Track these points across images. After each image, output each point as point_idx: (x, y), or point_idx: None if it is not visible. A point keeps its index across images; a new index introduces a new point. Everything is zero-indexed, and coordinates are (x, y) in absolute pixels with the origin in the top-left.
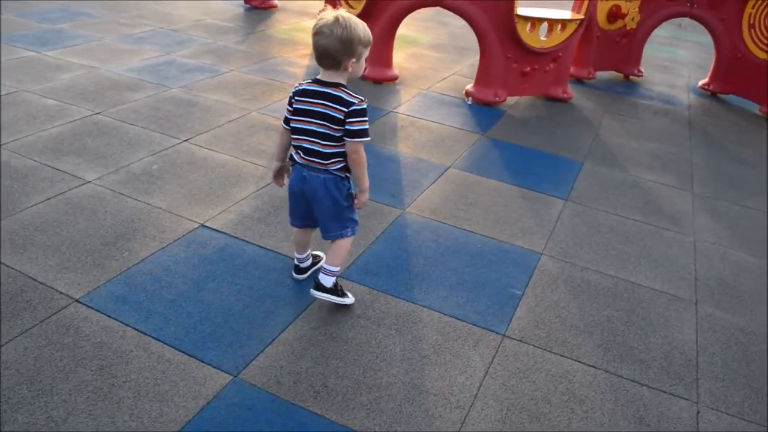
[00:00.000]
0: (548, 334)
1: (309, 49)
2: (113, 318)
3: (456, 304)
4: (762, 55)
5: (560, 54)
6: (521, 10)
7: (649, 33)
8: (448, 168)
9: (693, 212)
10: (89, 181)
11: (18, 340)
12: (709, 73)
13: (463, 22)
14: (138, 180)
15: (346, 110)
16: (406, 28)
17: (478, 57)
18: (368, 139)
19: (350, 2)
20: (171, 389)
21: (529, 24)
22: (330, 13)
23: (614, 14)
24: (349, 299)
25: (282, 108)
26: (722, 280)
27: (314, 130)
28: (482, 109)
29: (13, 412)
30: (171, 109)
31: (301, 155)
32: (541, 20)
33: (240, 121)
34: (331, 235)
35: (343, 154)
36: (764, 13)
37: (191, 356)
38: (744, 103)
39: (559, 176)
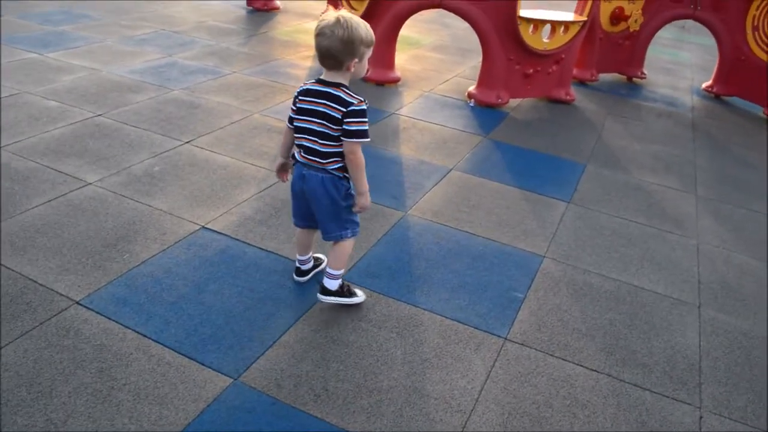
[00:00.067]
0: (550, 338)
1: (311, 51)
2: (113, 320)
3: (457, 307)
4: (765, 58)
5: (563, 56)
6: (524, 12)
7: (652, 35)
8: (451, 170)
9: (696, 215)
10: (90, 183)
11: (18, 342)
12: (713, 76)
13: (466, 24)
14: (139, 182)
15: (344, 110)
16: (408, 30)
17: (480, 59)
18: (366, 140)
19: (352, 3)
20: (171, 392)
21: (532, 26)
22: (332, 14)
23: (617, 16)
24: (358, 298)
25: (284, 110)
26: (726, 283)
27: (314, 129)
28: (485, 111)
29: (13, 415)
30: (173, 110)
31: (302, 154)
32: (543, 22)
33: (242, 123)
34: (330, 235)
35: (342, 154)
36: None
37: (191, 359)
38: (747, 106)
39: (561, 178)
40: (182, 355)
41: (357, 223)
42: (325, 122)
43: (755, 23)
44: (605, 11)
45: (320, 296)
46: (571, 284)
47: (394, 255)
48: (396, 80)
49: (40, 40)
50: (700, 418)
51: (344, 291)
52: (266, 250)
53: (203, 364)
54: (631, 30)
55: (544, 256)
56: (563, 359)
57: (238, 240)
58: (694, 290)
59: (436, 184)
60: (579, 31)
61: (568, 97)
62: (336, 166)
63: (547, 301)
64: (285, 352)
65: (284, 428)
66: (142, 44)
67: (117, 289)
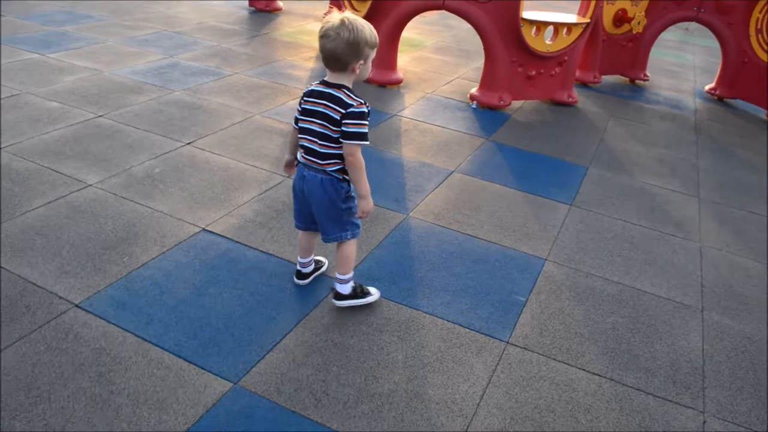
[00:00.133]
0: (552, 342)
1: (314, 52)
2: (113, 323)
3: (459, 310)
4: None
5: (566, 58)
6: (526, 14)
7: (655, 37)
8: (452, 172)
9: (699, 218)
10: (91, 185)
11: (17, 345)
12: (716, 78)
13: (468, 26)
14: (140, 183)
15: (343, 111)
16: (410, 31)
17: (483, 61)
18: (365, 142)
19: (354, 5)
20: (170, 396)
21: (535, 28)
22: (336, 16)
23: (620, 18)
24: (373, 296)
25: (286, 111)
26: (729, 287)
27: (315, 130)
28: (487, 113)
29: (11, 419)
30: (174, 112)
31: (303, 155)
32: (546, 24)
33: (243, 124)
34: (330, 237)
35: (342, 156)
36: None
37: (191, 363)
38: (751, 108)
39: (564, 181)
40: (182, 359)
41: (357, 225)
42: (325, 123)
43: (759, 26)
44: (608, 13)
45: (335, 302)
46: (573, 288)
47: (395, 258)
48: (398, 82)
49: (41, 40)
50: (704, 422)
51: (358, 292)
52: (267, 253)
53: (203, 368)
54: (634, 32)
55: (546, 259)
56: (565, 363)
57: (238, 242)
58: (697, 294)
59: (437, 187)
60: (582, 33)
61: (570, 100)
62: (335, 168)
63: (549, 305)
64: (285, 356)
65: None
66: (144, 45)
67: (117, 292)
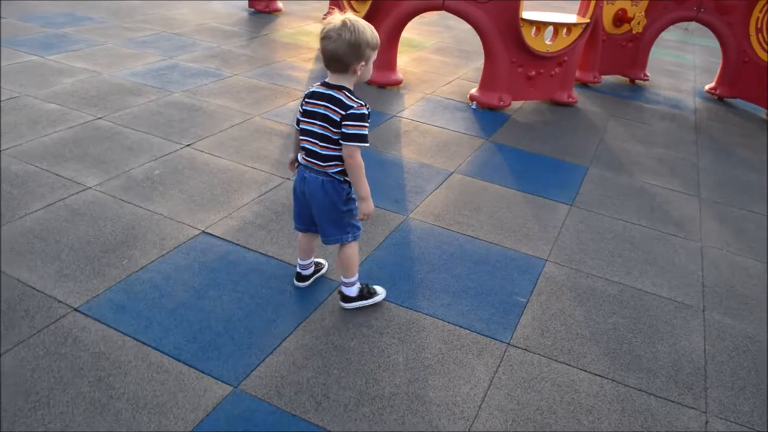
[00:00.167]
0: (554, 343)
1: (313, 53)
2: (112, 327)
3: (460, 312)
4: None
5: (565, 58)
6: (526, 14)
7: (655, 37)
8: (452, 173)
9: (700, 218)
10: (90, 187)
11: (15, 350)
12: (716, 77)
13: (468, 26)
14: (139, 186)
15: (343, 113)
16: (410, 32)
17: (482, 61)
18: (365, 144)
19: (354, 5)
20: (170, 401)
21: (534, 28)
22: (337, 17)
23: (620, 18)
24: (380, 296)
25: (286, 113)
26: (730, 286)
27: (315, 132)
28: (487, 113)
29: (10, 425)
30: (173, 113)
31: (304, 156)
32: (546, 24)
33: (243, 125)
34: (330, 239)
35: (342, 158)
36: None
37: (191, 366)
38: (751, 108)
39: (564, 181)
40: (182, 362)
41: (358, 227)
42: (325, 125)
43: (759, 25)
44: (608, 13)
45: (343, 304)
46: (574, 288)
47: (395, 259)
48: (398, 82)
49: (41, 42)
50: (706, 422)
51: (365, 293)
52: (267, 255)
53: (203, 372)
54: (634, 32)
55: (547, 260)
56: (567, 364)
57: (238, 245)
58: (698, 293)
59: (437, 188)
60: (582, 34)
61: (570, 100)
62: (336, 170)
63: (550, 306)
64: (286, 359)
65: None
66: (143, 47)
67: (116, 295)
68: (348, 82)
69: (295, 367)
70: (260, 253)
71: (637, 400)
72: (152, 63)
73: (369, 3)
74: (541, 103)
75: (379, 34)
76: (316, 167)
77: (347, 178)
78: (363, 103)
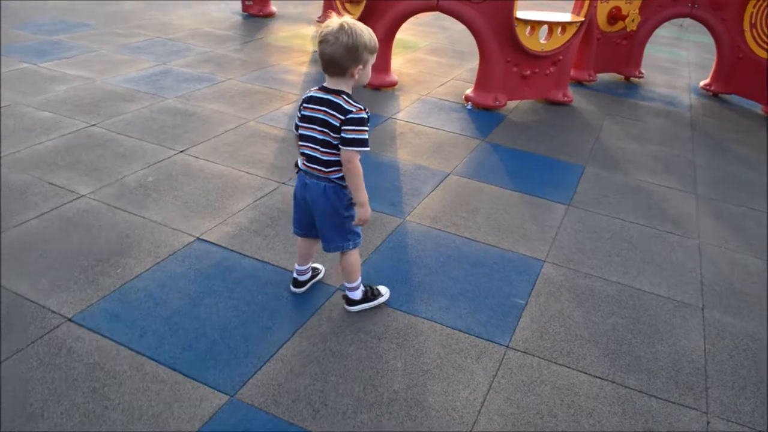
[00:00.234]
0: (553, 345)
1: (307, 57)
2: (107, 337)
3: (458, 315)
4: (764, 55)
5: (560, 57)
6: (521, 14)
7: (649, 34)
8: (449, 174)
9: (697, 215)
10: (83, 195)
11: (9, 361)
12: (711, 74)
13: (463, 26)
14: (133, 193)
15: (342, 118)
16: (404, 33)
17: (477, 61)
18: (365, 149)
19: (348, 7)
20: (165, 411)
21: (529, 27)
22: (335, 20)
23: (614, 16)
24: (384, 296)
25: (280, 117)
26: (729, 284)
27: (315, 137)
28: (482, 113)
29: None
30: (167, 119)
31: (304, 162)
32: (540, 23)
33: (237, 130)
34: (331, 246)
35: None
36: (766, 13)
37: (187, 376)
38: (746, 103)
39: (560, 181)
40: (177, 372)
41: (358, 234)
42: (326, 130)
43: (753, 20)
44: (602, 11)
45: (348, 308)
46: (572, 289)
47: (392, 263)
48: (392, 84)
49: (34, 49)
50: (707, 423)
51: (369, 295)
52: (263, 261)
53: (199, 381)
54: (629, 30)
55: (545, 261)
56: (567, 366)
57: (233, 251)
58: (697, 292)
59: (434, 189)
60: (576, 32)
61: (566, 99)
62: (339, 176)
63: (549, 307)
64: (282, 367)
65: None
66: (137, 52)
67: (110, 304)
68: (346, 86)
69: (292, 375)
70: (256, 259)
71: (637, 401)
72: (146, 69)
73: (363, 4)
74: (536, 103)
75: None
76: (317, 173)
77: None
78: (362, 107)
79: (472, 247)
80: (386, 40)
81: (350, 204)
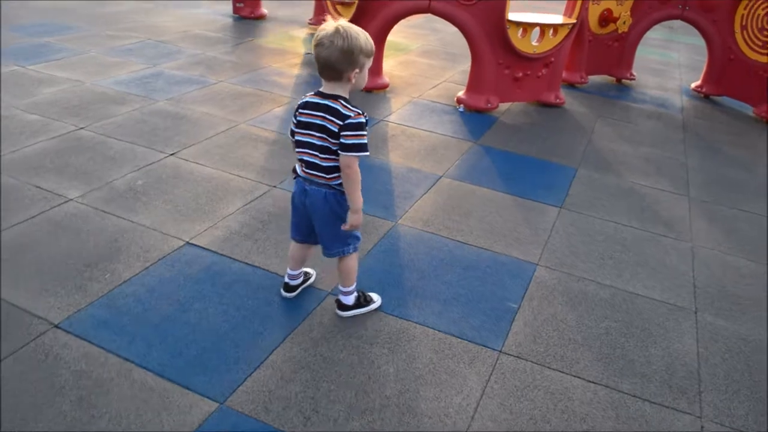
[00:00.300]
0: (546, 349)
1: (298, 59)
2: (94, 344)
3: (450, 319)
4: (754, 57)
5: (552, 59)
6: (512, 16)
7: (640, 36)
8: (441, 177)
9: (690, 217)
10: (71, 199)
11: None
12: (702, 75)
13: (454, 28)
14: (122, 197)
15: (341, 123)
16: (395, 35)
17: (469, 63)
18: (365, 154)
19: (339, 9)
20: (154, 419)
21: (521, 29)
22: (330, 24)
23: (606, 18)
24: (376, 303)
25: (271, 119)
26: (722, 287)
27: (314, 143)
28: (474, 116)
29: None
30: (157, 122)
31: (303, 168)
32: (532, 25)
33: (228, 133)
34: (332, 252)
35: None
36: (756, 15)
37: (176, 383)
38: (737, 105)
39: (553, 183)
40: (166, 379)
41: (358, 238)
42: (324, 136)
43: (743, 22)
44: (594, 13)
45: (340, 313)
46: (565, 292)
47: (384, 267)
48: (384, 86)
49: (22, 52)
50: (702, 427)
51: (361, 301)
52: (253, 266)
53: (188, 389)
54: (620, 31)
55: (538, 264)
56: (560, 371)
57: (223, 255)
58: (690, 295)
59: (426, 192)
60: (568, 34)
61: (557, 101)
62: (339, 181)
63: (542, 311)
64: (273, 373)
65: None
66: (126, 55)
67: (98, 310)
68: (343, 91)
69: (283, 381)
70: (246, 263)
71: (631, 406)
72: (136, 71)
73: (354, 6)
74: (528, 105)
75: None
76: (318, 179)
77: None
78: (360, 112)
79: (465, 250)
80: (378, 42)
81: None
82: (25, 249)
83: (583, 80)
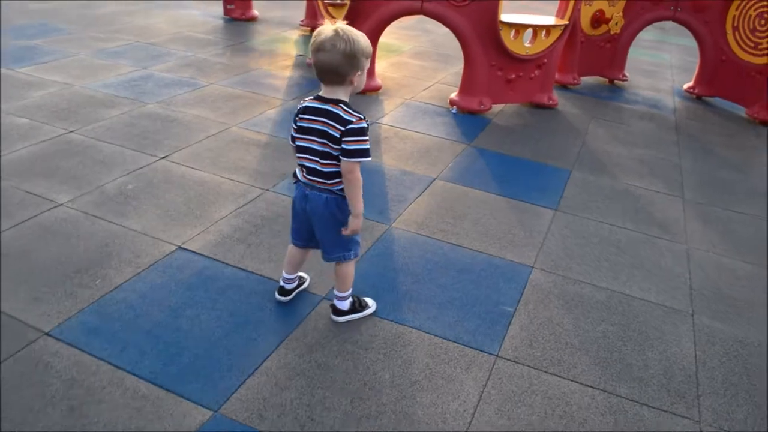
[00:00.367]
0: (543, 353)
1: (290, 60)
2: (85, 351)
3: (446, 324)
4: (746, 58)
5: (545, 60)
6: (505, 17)
7: (633, 37)
8: (434, 180)
9: (684, 219)
10: (61, 204)
11: None
12: (694, 76)
13: (447, 30)
14: (112, 201)
15: (342, 128)
16: (387, 37)
17: (462, 65)
18: (367, 159)
19: (331, 11)
20: (147, 428)
21: (513, 31)
22: (328, 27)
23: (598, 19)
24: (371, 308)
25: (263, 122)
26: (718, 289)
27: (315, 149)
28: (467, 117)
29: None
30: (147, 125)
31: (304, 174)
32: (525, 27)
33: (219, 136)
34: (332, 257)
35: None
36: (748, 16)
37: (168, 391)
38: (729, 106)
39: (547, 185)
40: (159, 387)
41: (359, 243)
42: (325, 141)
43: (735, 23)
44: (586, 14)
45: (335, 318)
46: (561, 296)
47: (378, 271)
48: (376, 88)
49: (11, 54)
50: None
51: (356, 306)
52: (246, 270)
53: (181, 396)
54: (612, 33)
55: (533, 267)
56: (557, 375)
57: (216, 260)
58: (686, 297)
59: (419, 195)
60: (560, 35)
61: (550, 102)
62: (341, 187)
63: (538, 315)
64: (267, 380)
65: None
66: (116, 57)
67: (89, 317)
68: (343, 94)
69: (277, 389)
70: (239, 268)
71: (629, 410)
72: (125, 74)
73: (346, 8)
74: (521, 106)
75: None
76: (319, 185)
77: None
78: (361, 116)
79: (459, 253)
80: (370, 43)
81: None
82: (14, 255)
83: (575, 81)
